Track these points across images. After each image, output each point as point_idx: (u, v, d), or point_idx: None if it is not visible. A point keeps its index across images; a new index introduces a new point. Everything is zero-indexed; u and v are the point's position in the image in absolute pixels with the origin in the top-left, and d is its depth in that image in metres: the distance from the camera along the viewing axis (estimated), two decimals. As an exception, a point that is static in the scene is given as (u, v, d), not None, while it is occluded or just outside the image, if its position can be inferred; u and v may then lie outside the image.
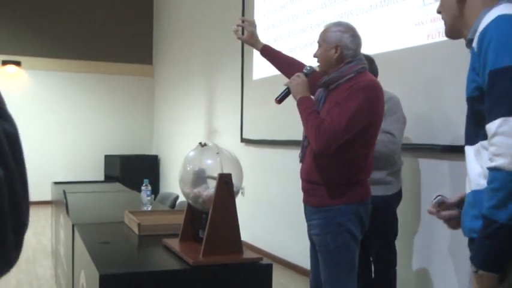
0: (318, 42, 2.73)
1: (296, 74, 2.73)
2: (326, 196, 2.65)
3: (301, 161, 2.83)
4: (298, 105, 2.67)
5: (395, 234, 3.53)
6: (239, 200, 7.04)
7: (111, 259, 2.44)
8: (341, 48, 2.63)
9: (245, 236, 6.24)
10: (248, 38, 3.14)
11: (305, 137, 2.72)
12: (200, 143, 2.45)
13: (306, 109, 2.63)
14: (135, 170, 9.14)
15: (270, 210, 5.84)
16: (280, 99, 2.79)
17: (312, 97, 2.72)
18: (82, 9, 10.01)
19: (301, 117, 2.66)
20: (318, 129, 2.53)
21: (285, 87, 2.76)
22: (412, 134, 3.81)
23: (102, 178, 9.94)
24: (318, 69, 2.78)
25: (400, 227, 3.54)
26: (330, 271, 2.69)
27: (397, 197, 3.46)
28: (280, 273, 5.23)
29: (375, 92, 2.58)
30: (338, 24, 2.75)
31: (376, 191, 3.02)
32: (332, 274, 2.69)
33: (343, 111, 2.51)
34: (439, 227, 3.68)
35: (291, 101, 4.14)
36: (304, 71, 2.76)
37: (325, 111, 2.60)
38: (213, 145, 2.43)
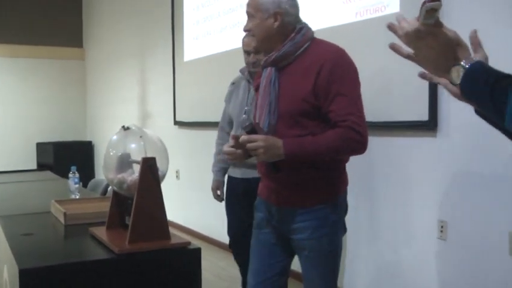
0: (248, 12, 2.26)
1: (245, 139, 2.08)
2: (316, 192, 2.21)
3: None
4: (295, 156, 2.10)
5: None
6: (174, 183, 6.98)
7: (33, 252, 2.34)
8: (281, 15, 2.18)
9: (180, 219, 6.26)
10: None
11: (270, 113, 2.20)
12: (123, 127, 2.37)
13: (308, 146, 2.10)
14: (69, 157, 8.89)
15: (205, 193, 5.77)
16: (276, 171, 2.17)
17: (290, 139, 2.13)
18: (5, -9, 9.60)
19: (320, 155, 2.13)
20: (349, 138, 2.10)
21: (272, 160, 2.12)
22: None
23: (34, 166, 9.64)
24: (252, 118, 2.24)
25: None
26: (324, 276, 2.30)
27: None
28: (219, 256, 5.22)
29: (349, 56, 2.22)
30: None
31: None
32: (327, 278, 2.31)
33: (351, 99, 2.13)
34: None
35: (221, 81, 4.06)
36: (247, 130, 2.14)
37: (289, 94, 2.15)
38: (136, 128, 2.36)
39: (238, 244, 3.62)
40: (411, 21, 1.14)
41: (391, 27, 1.20)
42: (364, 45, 3.70)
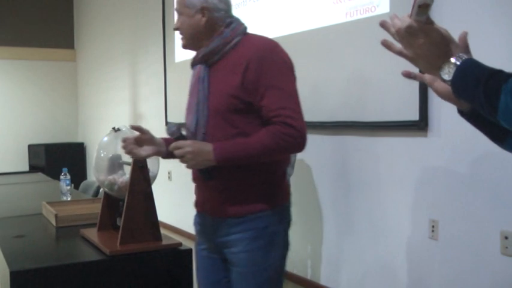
0: (177, 10, 2.11)
1: (172, 146, 1.94)
2: (253, 199, 1.98)
3: None
4: (227, 160, 1.92)
5: None
6: (166, 185, 6.96)
7: (24, 254, 2.33)
8: (209, 10, 2.03)
9: (172, 220, 6.25)
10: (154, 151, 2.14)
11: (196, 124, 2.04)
12: (114, 128, 2.37)
13: (239, 148, 1.92)
14: (61, 159, 8.87)
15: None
16: (209, 178, 1.99)
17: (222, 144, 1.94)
18: (-4, -8, 9.56)
19: (254, 158, 1.93)
20: (283, 134, 1.89)
21: (202, 166, 1.94)
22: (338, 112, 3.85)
23: (26, 168, 9.61)
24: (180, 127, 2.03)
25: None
26: None
27: None
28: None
29: (280, 46, 2.03)
30: None
31: None
32: None
33: (283, 93, 1.94)
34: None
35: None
36: (174, 136, 1.99)
37: (218, 91, 1.99)
38: (127, 129, 2.36)
39: None
40: (403, 18, 1.15)
41: (383, 25, 1.20)
42: (354, 46, 3.71)
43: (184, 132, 2.04)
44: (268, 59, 1.94)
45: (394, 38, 1.18)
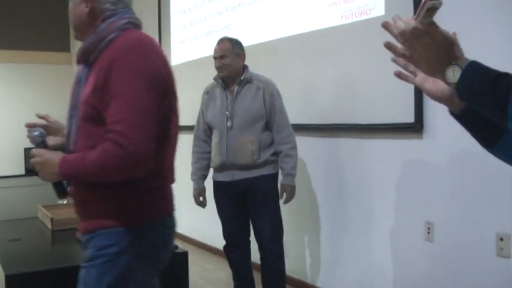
0: None
1: (31, 154, 1.78)
2: (104, 215, 1.74)
3: None
4: (69, 176, 1.74)
5: None
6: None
7: (20, 257, 2.34)
8: (91, 0, 1.81)
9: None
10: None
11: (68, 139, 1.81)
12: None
13: (79, 165, 1.67)
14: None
15: (191, 197, 5.78)
16: (61, 193, 1.88)
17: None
18: (-9, -4, 9.55)
19: (89, 177, 1.69)
20: (109, 154, 1.62)
21: (51, 179, 1.79)
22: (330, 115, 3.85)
23: (22, 172, 9.58)
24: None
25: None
26: None
27: None
28: (206, 259, 5.22)
29: (150, 50, 1.76)
30: None
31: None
32: None
33: (125, 103, 1.63)
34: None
35: (206, 85, 4.08)
36: (35, 143, 1.86)
37: (87, 94, 1.71)
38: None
39: (233, 246, 3.70)
40: (407, 20, 1.12)
41: (386, 26, 1.16)
42: (350, 48, 3.72)
43: (47, 140, 1.89)
44: (118, 62, 1.67)
45: (397, 40, 1.16)
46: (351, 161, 3.81)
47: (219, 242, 5.17)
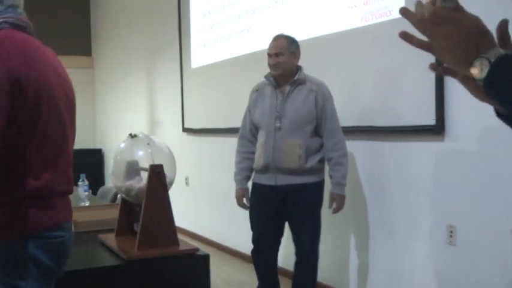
0: None
1: None
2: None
3: None
4: None
5: None
6: (183, 190, 7.00)
7: (43, 259, 2.36)
8: None
9: (190, 225, 6.28)
10: None
11: None
12: (130, 134, 2.39)
13: None
14: (80, 165, 8.90)
15: (214, 198, 5.81)
16: None
17: None
18: (15, 1, 9.68)
19: None
20: None
21: None
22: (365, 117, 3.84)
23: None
24: None
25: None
26: None
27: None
28: (227, 261, 5.22)
29: (14, 48, 1.64)
30: None
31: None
32: None
33: None
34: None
35: (231, 88, 4.08)
36: None
37: None
38: (143, 136, 2.38)
39: (261, 252, 3.56)
40: (427, 5, 0.98)
41: (404, 13, 1.01)
42: (370, 50, 3.70)
43: None
44: None
45: (416, 27, 1.00)
46: (369, 164, 3.79)
47: (240, 244, 5.20)
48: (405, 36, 1.02)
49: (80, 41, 10.30)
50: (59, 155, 1.75)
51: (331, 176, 3.40)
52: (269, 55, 3.42)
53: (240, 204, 3.59)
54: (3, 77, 1.55)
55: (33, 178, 1.63)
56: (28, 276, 1.64)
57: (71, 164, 1.85)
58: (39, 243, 1.65)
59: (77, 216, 2.88)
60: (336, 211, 3.41)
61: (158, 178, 2.22)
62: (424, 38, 1.00)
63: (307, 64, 3.54)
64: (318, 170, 3.40)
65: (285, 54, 3.35)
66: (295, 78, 3.36)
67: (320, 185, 3.43)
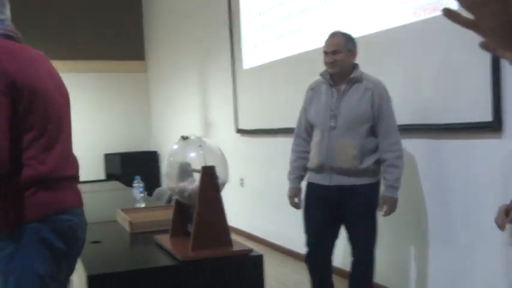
0: None
1: None
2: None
3: None
4: None
5: None
6: (238, 191, 7.04)
7: (100, 259, 2.42)
8: None
9: (245, 226, 6.31)
10: None
11: None
12: (182, 137, 2.42)
13: None
14: (136, 167, 9.09)
15: (269, 199, 5.82)
16: None
17: None
18: (69, 8, 9.94)
19: None
20: None
21: None
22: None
23: (103, 177, 9.93)
24: None
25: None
26: None
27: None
28: (282, 262, 5.22)
29: (1, 53, 1.78)
30: None
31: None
32: None
33: None
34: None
35: (284, 88, 4.08)
36: None
37: None
38: (195, 138, 2.40)
39: (315, 255, 3.50)
40: None
41: None
42: (423, 46, 3.63)
43: None
44: None
45: (462, 6, 0.93)
46: (424, 162, 3.72)
47: (294, 244, 5.19)
48: (449, 13, 0.95)
49: (133, 46, 10.50)
50: (57, 145, 1.90)
51: (384, 178, 3.33)
52: (325, 53, 3.33)
53: (292, 204, 3.57)
54: (0, 79, 1.72)
55: (37, 165, 1.79)
56: (39, 257, 1.78)
57: (71, 150, 2.06)
58: (48, 227, 1.80)
59: (132, 217, 2.95)
60: (387, 214, 3.34)
61: (210, 179, 2.24)
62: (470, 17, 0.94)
63: (361, 62, 3.49)
64: (374, 171, 3.33)
65: (342, 52, 3.28)
66: (352, 76, 3.29)
67: (375, 186, 3.36)
